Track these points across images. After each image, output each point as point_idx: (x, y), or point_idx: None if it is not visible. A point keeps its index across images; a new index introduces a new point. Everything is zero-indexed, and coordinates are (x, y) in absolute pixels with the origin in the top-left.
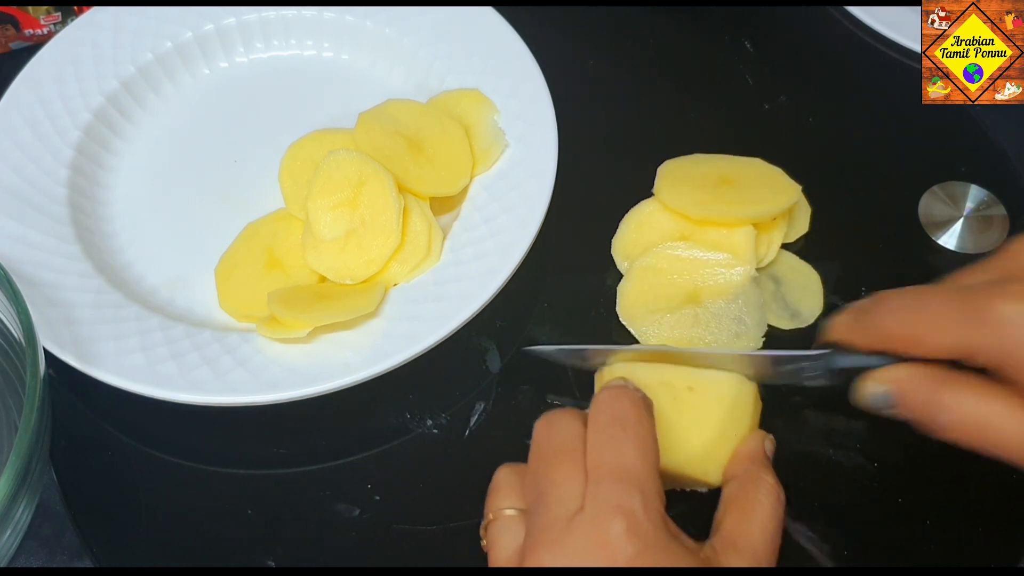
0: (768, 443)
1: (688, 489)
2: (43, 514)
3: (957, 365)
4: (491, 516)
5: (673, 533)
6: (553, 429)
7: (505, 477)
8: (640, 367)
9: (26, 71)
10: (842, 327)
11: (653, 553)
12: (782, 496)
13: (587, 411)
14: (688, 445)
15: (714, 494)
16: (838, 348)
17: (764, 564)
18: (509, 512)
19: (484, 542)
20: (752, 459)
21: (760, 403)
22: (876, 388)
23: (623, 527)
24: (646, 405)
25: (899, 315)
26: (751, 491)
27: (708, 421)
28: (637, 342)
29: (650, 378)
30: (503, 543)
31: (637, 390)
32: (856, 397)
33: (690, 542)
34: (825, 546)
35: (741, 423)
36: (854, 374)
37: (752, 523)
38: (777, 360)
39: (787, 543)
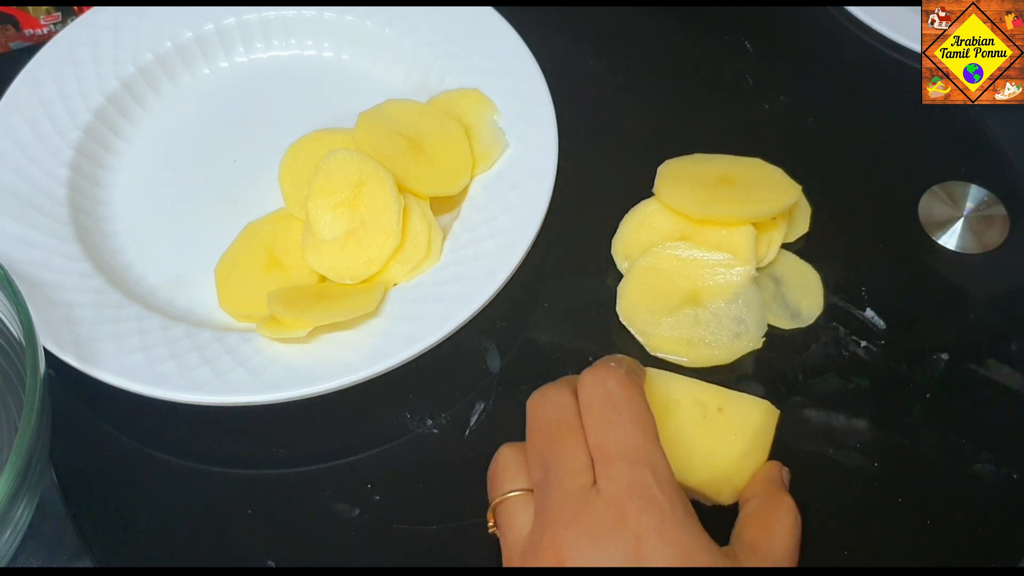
0: (785, 472)
1: (691, 498)
2: (43, 514)
3: None
4: (498, 499)
5: (688, 509)
6: (548, 404)
7: (508, 457)
8: (674, 380)
9: (26, 71)
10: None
11: (670, 527)
12: (799, 519)
13: (577, 378)
14: (710, 466)
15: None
16: None
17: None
18: (516, 493)
19: (492, 526)
20: (772, 481)
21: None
22: None
23: (639, 504)
24: (633, 380)
25: None
26: (771, 509)
27: (733, 444)
28: (637, 342)
29: (683, 394)
30: (518, 523)
31: (620, 365)
32: None
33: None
34: (825, 546)
35: (762, 450)
36: None
37: (772, 538)
38: None
39: None
